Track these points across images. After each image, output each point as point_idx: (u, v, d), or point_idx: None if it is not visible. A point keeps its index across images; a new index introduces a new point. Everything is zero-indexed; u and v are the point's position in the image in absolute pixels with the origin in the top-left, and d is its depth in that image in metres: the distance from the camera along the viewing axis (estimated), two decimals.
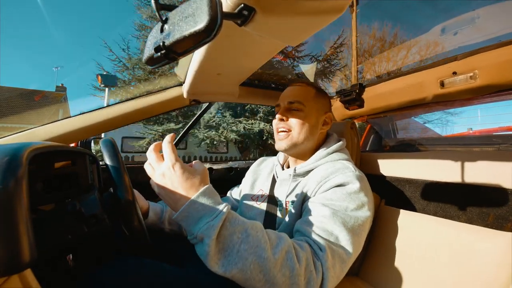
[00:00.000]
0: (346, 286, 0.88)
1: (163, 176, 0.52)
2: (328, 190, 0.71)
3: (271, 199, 0.87)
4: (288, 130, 0.82)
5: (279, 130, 0.84)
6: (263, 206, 0.87)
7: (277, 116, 0.85)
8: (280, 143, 0.84)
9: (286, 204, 0.81)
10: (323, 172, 0.76)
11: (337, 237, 0.62)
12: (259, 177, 1.00)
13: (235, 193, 1.08)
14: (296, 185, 0.82)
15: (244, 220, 0.54)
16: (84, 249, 0.68)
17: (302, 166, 0.84)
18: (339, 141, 0.90)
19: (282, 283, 0.51)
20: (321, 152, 0.84)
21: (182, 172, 0.51)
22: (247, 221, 0.54)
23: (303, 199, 0.76)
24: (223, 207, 0.51)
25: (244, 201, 0.94)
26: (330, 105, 0.91)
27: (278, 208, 0.83)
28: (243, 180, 1.06)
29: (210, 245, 0.48)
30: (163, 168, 0.52)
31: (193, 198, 0.50)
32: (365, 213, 0.68)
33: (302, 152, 0.86)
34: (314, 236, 0.61)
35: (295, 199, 0.79)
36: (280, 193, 0.85)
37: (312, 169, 0.82)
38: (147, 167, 0.56)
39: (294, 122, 0.82)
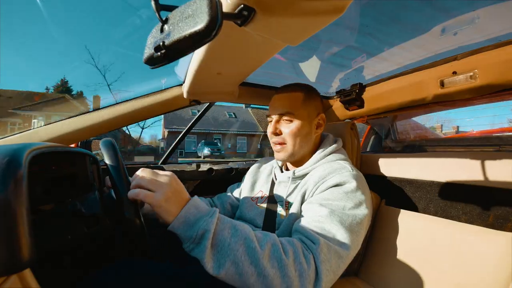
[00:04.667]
0: (346, 286, 0.88)
1: (164, 194, 0.53)
2: (325, 191, 0.72)
3: (271, 201, 0.87)
4: (282, 143, 0.83)
5: (274, 143, 0.86)
6: (263, 207, 0.88)
7: (270, 129, 0.86)
8: (278, 155, 0.86)
9: (285, 205, 0.81)
10: (320, 173, 0.77)
11: (334, 235, 0.62)
12: (258, 179, 1.01)
13: (235, 191, 1.09)
14: (295, 187, 0.83)
15: (231, 219, 0.57)
16: (84, 249, 0.68)
17: (300, 169, 0.84)
18: (335, 141, 0.91)
19: (274, 274, 0.52)
20: (318, 154, 0.85)
21: (175, 188, 0.54)
22: (233, 220, 0.58)
23: (302, 200, 0.77)
24: (213, 209, 0.56)
25: (245, 202, 0.95)
26: (322, 104, 0.90)
27: (277, 209, 0.83)
28: (243, 182, 1.06)
29: (209, 238, 0.50)
30: (162, 186, 0.53)
31: (187, 206, 0.53)
32: (363, 211, 0.69)
33: (300, 158, 0.87)
34: (307, 231, 0.61)
35: (294, 200, 0.79)
36: (279, 195, 0.86)
37: (310, 171, 0.83)
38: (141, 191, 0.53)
39: (287, 134, 0.82)
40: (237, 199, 1.06)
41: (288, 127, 0.82)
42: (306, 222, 0.65)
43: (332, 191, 0.71)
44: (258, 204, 0.91)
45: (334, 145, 0.88)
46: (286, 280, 0.52)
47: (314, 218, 0.65)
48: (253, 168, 1.07)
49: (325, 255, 0.58)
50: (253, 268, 0.51)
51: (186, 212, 0.52)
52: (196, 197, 0.57)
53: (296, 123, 0.81)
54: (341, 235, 0.62)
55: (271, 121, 0.87)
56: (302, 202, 0.77)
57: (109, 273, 0.60)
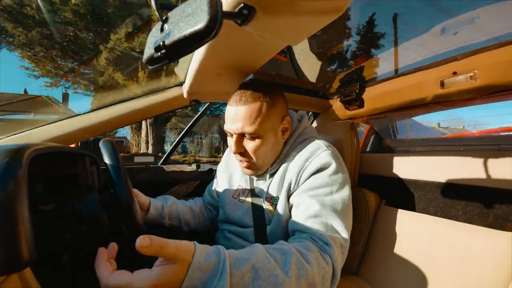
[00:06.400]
0: (346, 285, 0.88)
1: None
2: (309, 178, 0.73)
3: (254, 196, 0.84)
4: (249, 161, 0.77)
5: (239, 160, 0.79)
6: (247, 204, 0.85)
7: (231, 147, 0.76)
8: (245, 171, 0.81)
9: (269, 200, 0.80)
10: (297, 160, 0.76)
11: (333, 226, 0.65)
12: (234, 171, 0.94)
13: (212, 189, 1.04)
14: (273, 179, 0.81)
15: (246, 256, 0.50)
16: (84, 249, 0.68)
17: (274, 164, 0.81)
18: (299, 121, 0.86)
19: None
20: (288, 145, 0.81)
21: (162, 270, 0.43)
22: (249, 255, 0.51)
23: (288, 193, 0.76)
24: (222, 258, 0.46)
25: (226, 201, 0.90)
26: (285, 103, 0.80)
27: (264, 205, 0.81)
28: (217, 179, 1.01)
29: None
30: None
31: (189, 273, 0.43)
32: (347, 190, 0.72)
33: (270, 165, 0.82)
34: (315, 232, 0.63)
35: (279, 194, 0.78)
36: (261, 188, 0.83)
37: (286, 161, 0.80)
38: None
39: (252, 151, 0.74)
40: (214, 198, 1.02)
41: (253, 144, 0.74)
42: (304, 220, 0.66)
43: (316, 177, 0.72)
44: (241, 199, 0.87)
45: (300, 126, 0.83)
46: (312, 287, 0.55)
47: (309, 214, 0.66)
48: (224, 158, 1.01)
49: (337, 253, 0.61)
50: None
51: (191, 281, 0.43)
52: (198, 249, 0.46)
53: (260, 139, 0.73)
54: (338, 224, 0.66)
55: (231, 135, 0.77)
56: (289, 195, 0.76)
57: None
